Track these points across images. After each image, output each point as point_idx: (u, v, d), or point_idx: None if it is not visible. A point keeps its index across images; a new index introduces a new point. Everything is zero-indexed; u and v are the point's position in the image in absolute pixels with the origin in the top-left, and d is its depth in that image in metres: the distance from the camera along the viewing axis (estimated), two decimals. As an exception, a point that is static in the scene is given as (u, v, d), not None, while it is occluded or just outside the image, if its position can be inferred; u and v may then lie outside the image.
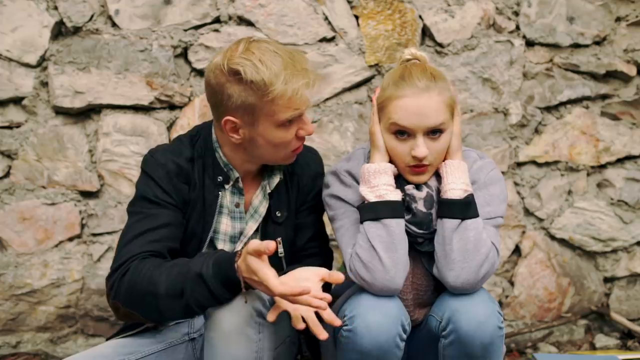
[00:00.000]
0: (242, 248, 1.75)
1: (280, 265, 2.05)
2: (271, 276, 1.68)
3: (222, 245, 2.09)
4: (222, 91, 1.93)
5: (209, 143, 2.08)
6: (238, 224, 2.11)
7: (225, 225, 2.09)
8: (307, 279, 1.82)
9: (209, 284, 1.76)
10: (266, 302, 1.82)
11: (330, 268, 2.19)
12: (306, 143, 2.77)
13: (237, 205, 2.10)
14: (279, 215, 2.12)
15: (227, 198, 2.09)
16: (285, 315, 2.02)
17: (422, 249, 2.01)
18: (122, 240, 1.96)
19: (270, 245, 1.66)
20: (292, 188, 2.16)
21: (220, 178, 2.07)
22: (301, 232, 2.18)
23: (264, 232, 2.12)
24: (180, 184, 2.03)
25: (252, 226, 2.11)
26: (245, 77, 1.89)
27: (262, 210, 2.12)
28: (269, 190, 2.12)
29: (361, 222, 1.95)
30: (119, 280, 1.88)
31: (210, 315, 1.81)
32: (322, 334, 1.79)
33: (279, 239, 2.08)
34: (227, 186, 2.08)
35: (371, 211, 1.93)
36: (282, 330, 1.99)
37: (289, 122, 1.96)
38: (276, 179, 2.12)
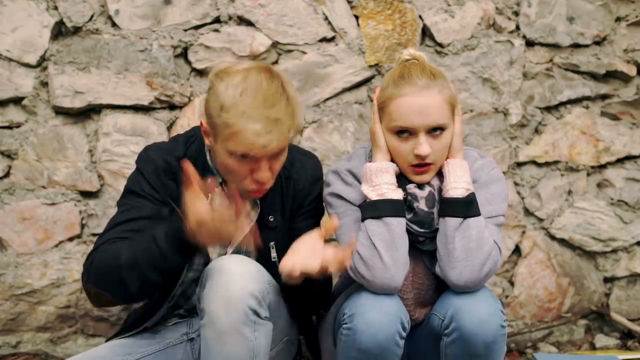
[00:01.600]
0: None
1: (275, 270, 2.05)
2: (200, 201, 1.71)
3: (212, 249, 2.08)
4: (208, 92, 1.95)
5: (202, 146, 2.09)
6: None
7: None
8: (311, 244, 1.84)
9: (158, 242, 1.78)
10: (261, 301, 1.82)
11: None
12: (306, 143, 2.79)
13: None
14: (271, 220, 2.09)
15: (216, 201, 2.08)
16: (283, 315, 2.03)
17: (423, 247, 2.02)
18: (104, 229, 1.99)
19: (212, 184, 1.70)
20: (288, 193, 2.13)
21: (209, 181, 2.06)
22: (297, 237, 2.15)
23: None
24: (167, 181, 2.04)
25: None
26: (213, 91, 1.89)
27: (253, 215, 2.09)
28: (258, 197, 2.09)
29: (362, 220, 1.95)
30: (90, 263, 1.91)
31: (206, 315, 1.82)
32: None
33: (272, 243, 2.08)
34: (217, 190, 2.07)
35: (373, 209, 1.93)
36: (279, 330, 2.00)
37: (241, 157, 1.88)
38: None
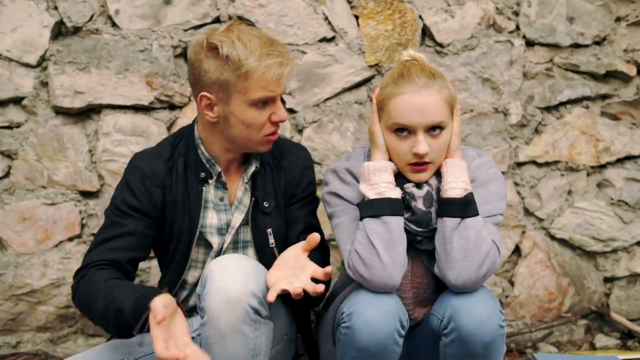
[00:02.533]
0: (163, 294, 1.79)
1: (273, 255, 2.08)
2: (159, 340, 1.70)
3: (211, 238, 2.14)
4: (199, 66, 2.01)
5: (191, 141, 2.14)
6: (224, 215, 2.15)
7: (211, 218, 2.14)
8: (295, 257, 1.88)
9: (126, 318, 1.81)
10: (262, 300, 1.84)
11: (327, 261, 2.22)
12: (306, 143, 2.79)
13: (222, 199, 2.15)
14: (266, 205, 2.15)
15: (211, 193, 2.14)
16: (283, 314, 2.04)
17: (421, 247, 2.02)
18: (91, 244, 2.06)
19: (159, 314, 1.70)
20: (280, 181, 2.19)
21: (203, 174, 2.12)
22: (293, 225, 2.19)
23: (254, 222, 2.15)
24: (153, 188, 2.10)
25: (238, 217, 2.15)
26: (221, 52, 1.96)
27: (246, 200, 2.16)
28: (246, 180, 2.15)
29: (361, 219, 1.96)
30: (77, 284, 1.99)
31: (207, 314, 1.83)
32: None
33: (269, 229, 2.14)
34: (210, 181, 2.14)
35: (371, 208, 1.94)
36: (280, 328, 2.01)
37: (262, 104, 2.00)
38: (252, 168, 2.16)
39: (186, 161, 2.13)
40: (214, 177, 2.13)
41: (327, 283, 2.13)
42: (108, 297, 1.87)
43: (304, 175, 2.22)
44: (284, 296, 1.91)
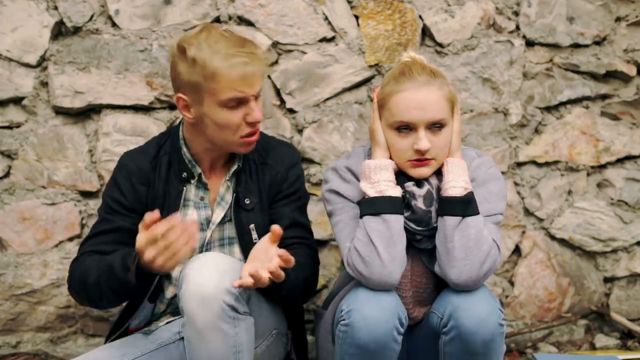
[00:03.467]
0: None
1: None
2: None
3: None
4: (174, 68, 2.05)
5: (176, 140, 2.18)
6: (204, 212, 2.18)
7: (191, 215, 2.18)
8: (264, 249, 1.90)
9: (116, 272, 1.89)
10: (238, 297, 1.85)
11: (315, 258, 2.24)
12: (306, 143, 2.79)
13: (202, 199, 2.18)
14: (247, 202, 2.17)
15: (192, 192, 2.18)
16: (267, 309, 2.05)
17: (420, 246, 2.03)
18: (84, 239, 2.16)
19: (154, 214, 1.80)
20: (264, 178, 2.20)
21: (184, 174, 2.16)
22: (277, 222, 2.17)
23: (237, 219, 2.17)
24: (138, 185, 2.16)
25: (219, 213, 2.18)
26: (189, 54, 1.98)
27: (228, 197, 2.18)
28: (228, 178, 2.18)
29: (361, 217, 1.96)
30: (70, 272, 2.11)
31: (185, 314, 1.85)
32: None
33: (252, 225, 2.17)
34: (192, 181, 2.17)
35: (371, 206, 1.94)
36: (266, 323, 2.03)
37: (234, 105, 2.01)
38: (234, 166, 2.18)
39: (170, 160, 2.18)
40: (196, 178, 2.17)
41: (306, 271, 2.14)
42: (100, 267, 1.96)
43: (290, 172, 2.23)
44: (266, 292, 1.96)
